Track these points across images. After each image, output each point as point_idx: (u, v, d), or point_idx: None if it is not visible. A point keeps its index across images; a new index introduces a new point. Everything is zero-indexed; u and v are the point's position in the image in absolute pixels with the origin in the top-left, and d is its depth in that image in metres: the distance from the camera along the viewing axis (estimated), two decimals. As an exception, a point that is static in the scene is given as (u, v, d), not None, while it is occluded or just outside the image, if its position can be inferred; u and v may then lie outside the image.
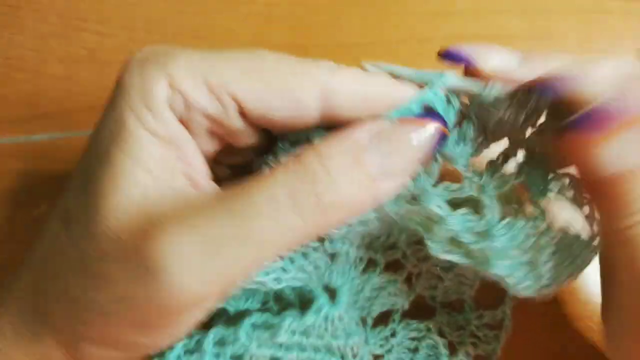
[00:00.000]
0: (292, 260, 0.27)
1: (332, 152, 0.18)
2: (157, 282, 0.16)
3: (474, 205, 0.22)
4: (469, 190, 0.22)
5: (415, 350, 0.33)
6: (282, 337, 0.29)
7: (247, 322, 0.30)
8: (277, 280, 0.26)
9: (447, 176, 0.23)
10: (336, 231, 0.24)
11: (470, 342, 0.32)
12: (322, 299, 0.30)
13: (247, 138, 0.21)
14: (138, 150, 0.18)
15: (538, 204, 0.22)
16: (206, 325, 0.31)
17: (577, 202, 0.22)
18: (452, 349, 0.32)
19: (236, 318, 0.31)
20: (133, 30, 0.38)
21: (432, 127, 0.19)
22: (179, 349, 0.30)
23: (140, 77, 0.18)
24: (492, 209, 0.21)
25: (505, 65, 0.21)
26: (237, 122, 0.20)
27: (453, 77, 0.20)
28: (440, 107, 0.20)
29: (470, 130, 0.21)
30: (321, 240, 0.27)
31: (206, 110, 0.19)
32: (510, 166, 0.23)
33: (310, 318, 0.29)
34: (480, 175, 0.22)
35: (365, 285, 0.32)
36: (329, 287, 0.31)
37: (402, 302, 0.33)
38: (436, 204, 0.21)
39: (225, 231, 0.17)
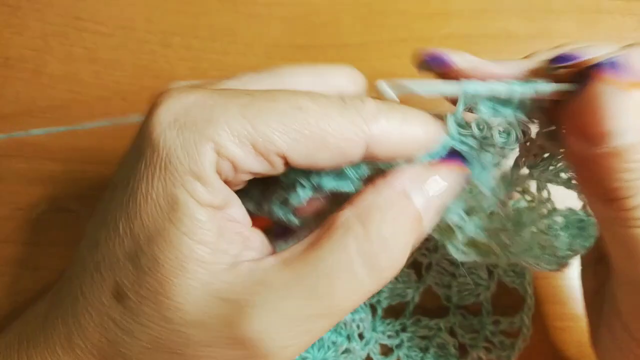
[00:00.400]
0: None
1: (387, 204, 0.19)
2: None
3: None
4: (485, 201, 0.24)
5: (426, 349, 0.33)
6: None
7: None
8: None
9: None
10: None
11: (484, 346, 0.32)
12: None
13: None
14: (196, 227, 0.18)
15: (543, 190, 0.24)
16: None
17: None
18: (464, 351, 0.32)
19: None
20: (133, 30, 0.38)
21: (460, 169, 0.21)
22: None
23: (182, 147, 0.17)
24: (504, 209, 0.23)
25: (479, 62, 0.21)
26: (281, 170, 0.20)
27: (474, 84, 0.21)
28: (461, 146, 0.21)
29: (488, 157, 0.22)
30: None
31: (255, 170, 0.19)
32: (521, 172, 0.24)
33: None
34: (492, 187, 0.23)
35: None
36: None
37: (413, 293, 0.33)
38: (457, 214, 0.23)
39: (312, 312, 0.18)
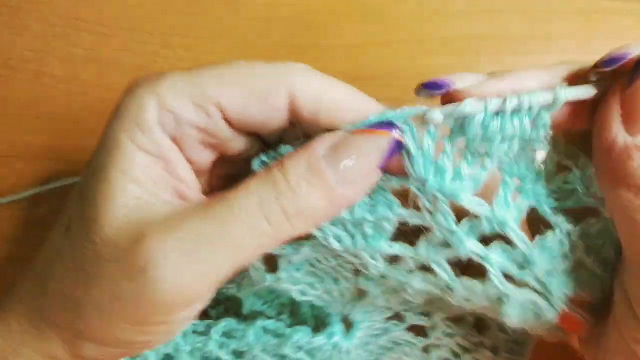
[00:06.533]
0: (322, 280, 0.28)
1: (292, 164, 0.20)
2: (146, 279, 0.19)
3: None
4: (488, 227, 0.23)
5: None
6: (288, 349, 0.29)
7: (259, 323, 0.30)
8: (302, 292, 0.28)
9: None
10: (374, 271, 0.25)
11: None
12: (337, 326, 0.30)
13: (237, 145, 0.23)
14: (130, 166, 0.20)
15: (553, 213, 0.23)
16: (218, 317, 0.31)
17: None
18: None
19: (248, 317, 0.31)
20: (133, 31, 0.38)
21: (384, 134, 0.21)
22: (187, 326, 0.30)
23: (132, 101, 0.21)
24: (519, 238, 0.23)
25: (476, 82, 0.21)
26: (224, 129, 0.22)
27: (436, 111, 0.21)
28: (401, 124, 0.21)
29: (464, 165, 0.22)
30: (356, 272, 0.27)
31: (194, 121, 0.21)
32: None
33: (320, 339, 0.30)
34: (493, 212, 0.22)
35: (383, 333, 0.32)
36: (347, 319, 0.31)
37: None
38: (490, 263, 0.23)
39: (203, 233, 0.20)
